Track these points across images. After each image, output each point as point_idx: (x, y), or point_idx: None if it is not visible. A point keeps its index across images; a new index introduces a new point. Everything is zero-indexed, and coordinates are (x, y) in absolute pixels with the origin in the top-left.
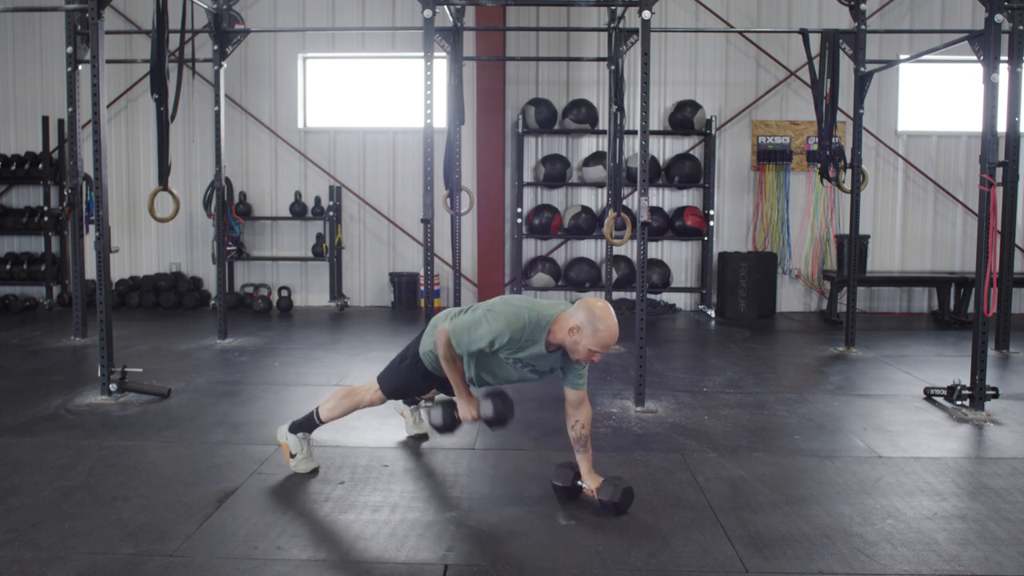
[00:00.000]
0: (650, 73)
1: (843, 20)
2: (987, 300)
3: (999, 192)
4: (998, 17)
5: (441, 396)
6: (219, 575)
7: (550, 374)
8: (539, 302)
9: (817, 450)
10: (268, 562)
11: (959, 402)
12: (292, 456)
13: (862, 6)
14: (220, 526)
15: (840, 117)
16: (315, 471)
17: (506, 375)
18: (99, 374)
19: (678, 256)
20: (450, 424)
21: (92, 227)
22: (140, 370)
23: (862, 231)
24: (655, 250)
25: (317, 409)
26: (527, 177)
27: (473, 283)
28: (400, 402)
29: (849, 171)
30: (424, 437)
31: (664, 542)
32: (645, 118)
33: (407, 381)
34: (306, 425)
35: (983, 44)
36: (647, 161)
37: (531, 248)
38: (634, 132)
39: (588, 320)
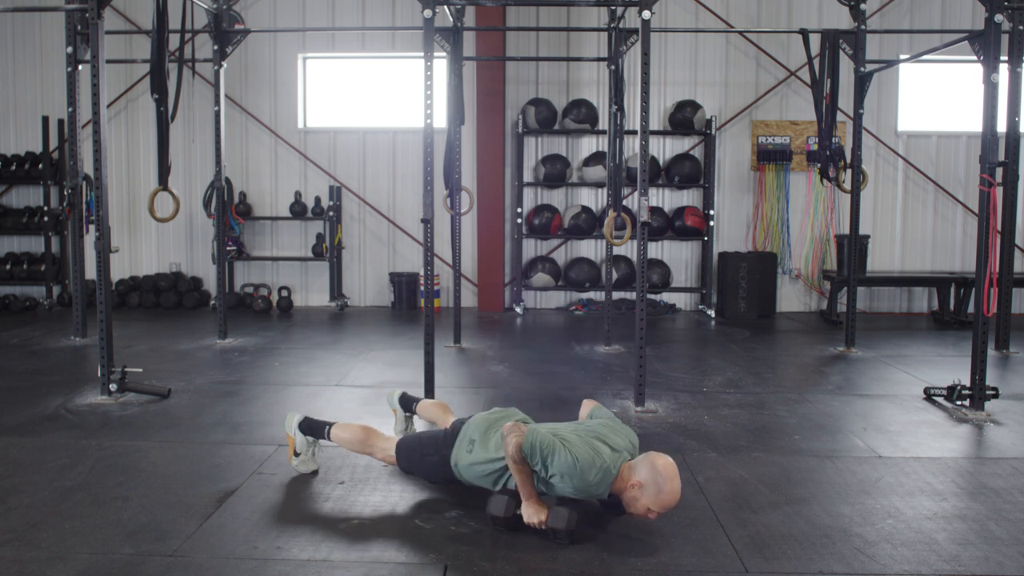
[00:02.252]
0: (650, 73)
1: (843, 20)
2: (987, 300)
3: (999, 192)
4: (998, 17)
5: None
6: (219, 575)
7: None
8: (604, 433)
9: (817, 450)
10: (268, 562)
11: (959, 402)
12: (296, 454)
13: (862, 6)
14: (220, 526)
15: (840, 117)
16: (315, 472)
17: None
18: (99, 374)
19: (678, 256)
20: (511, 522)
21: (92, 227)
22: (140, 370)
23: (862, 231)
24: (655, 250)
25: (331, 427)
26: (527, 177)
27: (473, 283)
28: (395, 398)
29: (849, 171)
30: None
31: (664, 542)
32: (645, 118)
33: (427, 474)
34: (316, 431)
35: (983, 44)
36: (647, 161)
37: (531, 248)
38: (634, 132)
39: (652, 480)
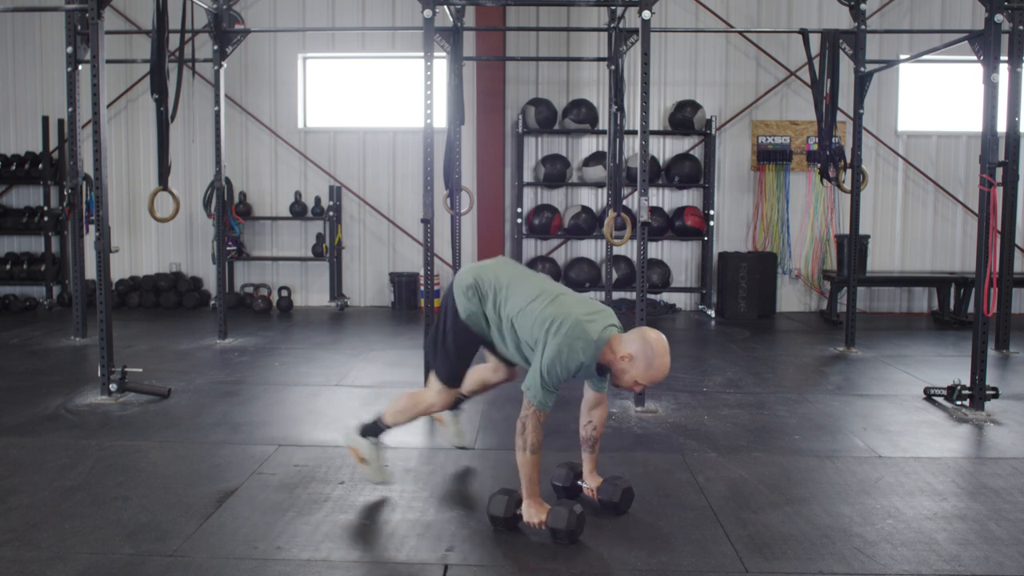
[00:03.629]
0: (650, 73)
1: (843, 20)
2: (987, 300)
3: (999, 192)
4: (998, 17)
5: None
6: (219, 575)
7: None
8: (589, 307)
9: (817, 450)
10: (268, 562)
11: (959, 402)
12: (363, 461)
13: (862, 6)
14: (220, 526)
15: (840, 117)
16: (385, 483)
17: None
18: (99, 374)
19: (678, 256)
20: (511, 522)
21: (92, 227)
22: (140, 370)
23: (862, 231)
24: (655, 250)
25: (382, 414)
26: (527, 177)
27: None
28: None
29: (849, 171)
30: (464, 449)
31: (664, 542)
32: (645, 118)
33: (462, 355)
34: (374, 429)
35: (983, 44)
36: (647, 161)
37: (531, 248)
38: (634, 132)
39: (643, 352)
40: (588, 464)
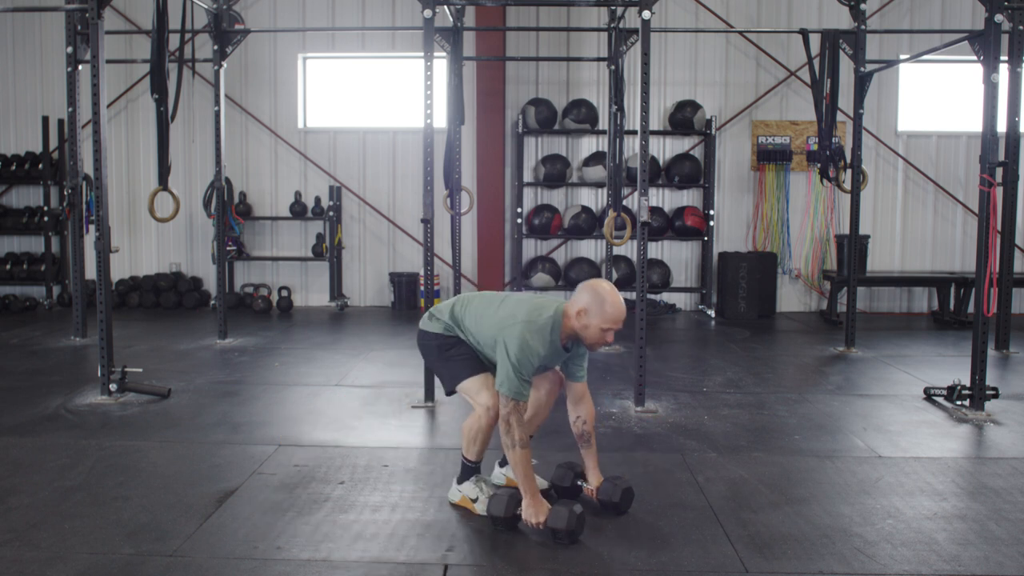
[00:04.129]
0: (650, 73)
1: (843, 20)
2: (987, 300)
3: (999, 192)
4: (998, 17)
5: (500, 479)
6: (219, 575)
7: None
8: (532, 299)
9: (817, 450)
10: (268, 562)
11: (959, 402)
12: (475, 501)
13: (862, 6)
14: (220, 526)
15: (840, 117)
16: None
17: None
18: (99, 374)
19: (678, 256)
20: (511, 522)
21: (92, 227)
22: (140, 370)
23: (862, 231)
24: (655, 250)
25: (462, 455)
26: (527, 177)
27: (473, 283)
28: (501, 470)
29: (849, 171)
30: (548, 492)
31: (664, 542)
32: (645, 118)
33: (470, 357)
34: (467, 471)
35: (983, 44)
36: (647, 161)
37: (531, 248)
38: (634, 132)
39: (593, 299)
40: (589, 460)
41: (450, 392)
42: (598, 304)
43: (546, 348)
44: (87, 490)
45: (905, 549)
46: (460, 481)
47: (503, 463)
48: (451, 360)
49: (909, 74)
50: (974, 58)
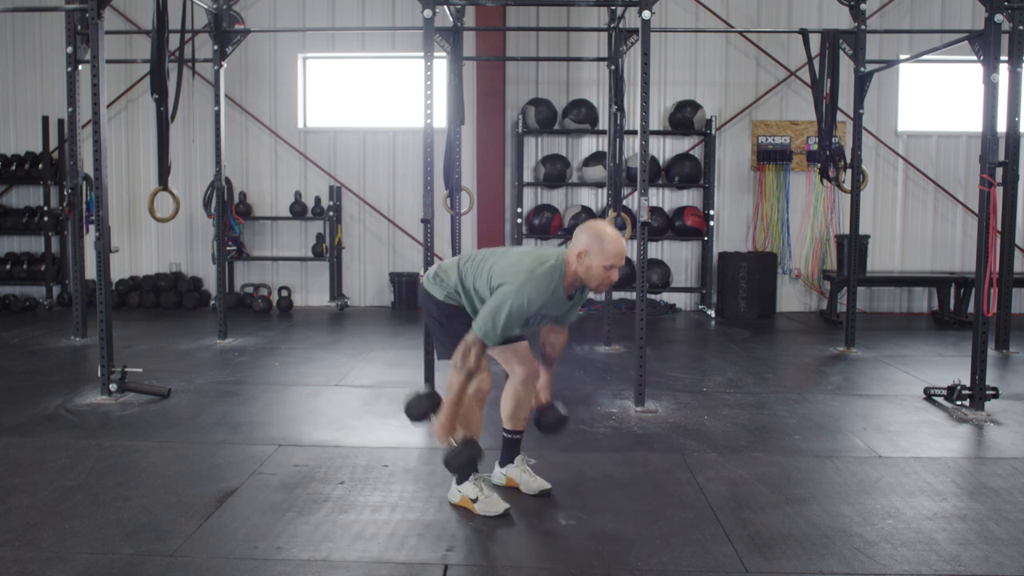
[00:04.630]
0: (650, 73)
1: (843, 20)
2: (987, 300)
3: (999, 192)
4: (998, 17)
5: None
6: (219, 575)
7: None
8: (535, 250)
9: (817, 450)
10: (268, 562)
11: (959, 402)
12: (475, 501)
13: (862, 6)
14: (220, 526)
15: (840, 117)
16: (507, 512)
17: (523, 328)
18: (99, 374)
19: (678, 256)
20: (420, 418)
21: (92, 227)
22: (140, 370)
23: (862, 231)
24: (655, 250)
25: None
26: (527, 177)
27: None
28: (501, 470)
29: (849, 171)
30: (548, 493)
31: (664, 542)
32: (645, 118)
33: (462, 332)
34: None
35: (983, 44)
36: (647, 161)
37: None
38: (634, 132)
39: (592, 239)
40: (543, 380)
41: (442, 358)
42: (597, 243)
43: (546, 298)
44: (87, 490)
45: (905, 549)
46: (460, 481)
47: (503, 463)
48: (448, 330)
49: (909, 74)
50: (974, 58)
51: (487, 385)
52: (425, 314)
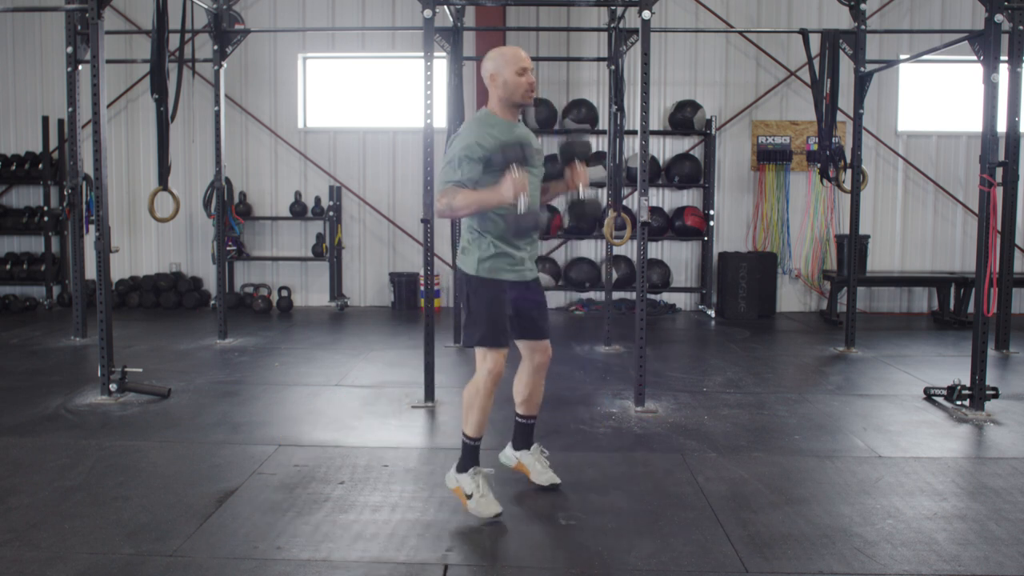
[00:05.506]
0: (650, 73)
1: (843, 20)
2: (987, 300)
3: (999, 192)
4: (998, 17)
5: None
6: (219, 575)
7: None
8: None
9: (817, 450)
10: (268, 562)
11: (959, 402)
12: (469, 497)
13: (862, 6)
14: (220, 526)
15: (840, 117)
16: (498, 515)
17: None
18: (99, 374)
19: (678, 256)
20: (535, 223)
21: (92, 227)
22: (140, 370)
23: (862, 231)
24: (655, 250)
25: (462, 432)
26: None
27: None
28: (515, 452)
29: (849, 171)
30: (556, 487)
31: (664, 542)
32: (645, 118)
33: (492, 310)
34: (468, 455)
35: (983, 44)
36: (647, 161)
37: None
38: (634, 132)
39: (494, 60)
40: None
41: (468, 346)
42: (499, 59)
43: (491, 133)
44: (87, 490)
45: (905, 549)
46: (460, 469)
47: (517, 447)
48: (474, 316)
49: (909, 74)
50: (974, 58)
51: (500, 367)
52: (458, 293)
